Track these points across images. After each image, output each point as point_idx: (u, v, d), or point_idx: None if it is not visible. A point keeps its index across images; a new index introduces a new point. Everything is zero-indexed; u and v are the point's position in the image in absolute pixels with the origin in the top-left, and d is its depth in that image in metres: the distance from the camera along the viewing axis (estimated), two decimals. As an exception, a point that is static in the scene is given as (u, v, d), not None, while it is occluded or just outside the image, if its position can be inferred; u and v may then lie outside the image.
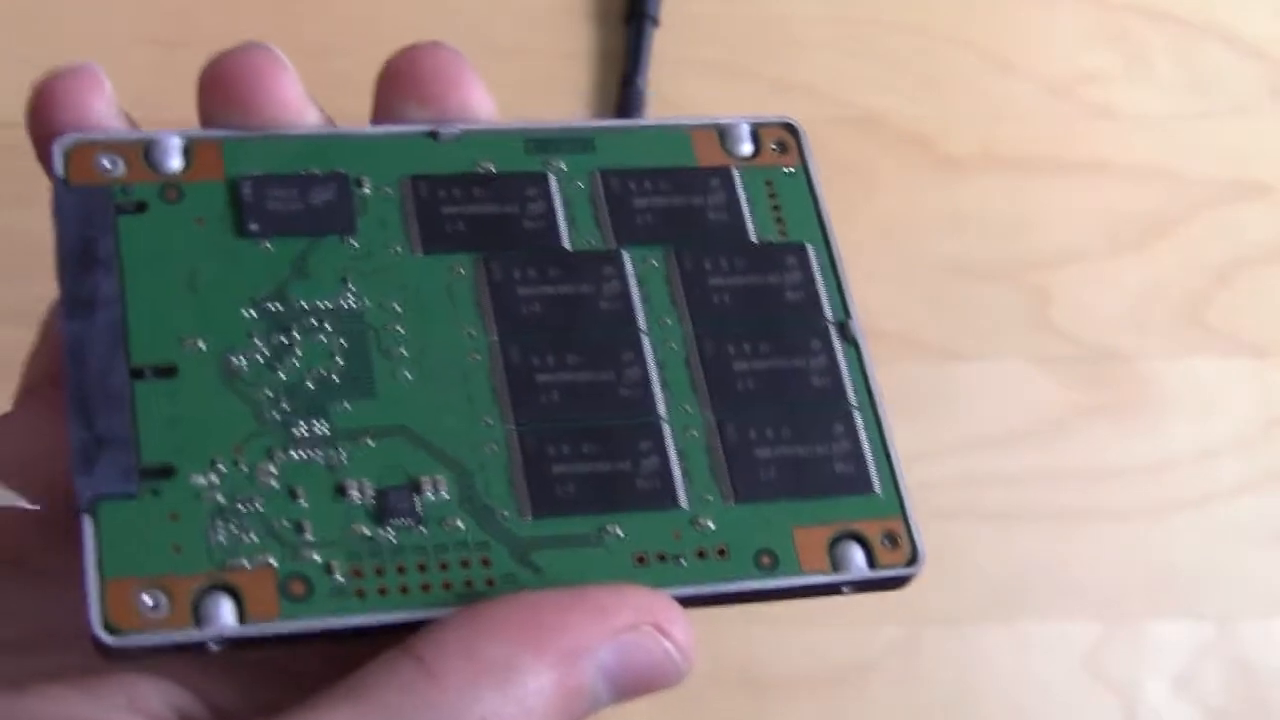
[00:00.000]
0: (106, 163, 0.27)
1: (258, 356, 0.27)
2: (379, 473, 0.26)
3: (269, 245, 0.27)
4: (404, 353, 0.27)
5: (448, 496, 0.26)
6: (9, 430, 0.28)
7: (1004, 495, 0.47)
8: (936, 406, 0.47)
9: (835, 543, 0.27)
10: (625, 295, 0.28)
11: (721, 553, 0.27)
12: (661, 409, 0.28)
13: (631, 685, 0.25)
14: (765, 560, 0.27)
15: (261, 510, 0.25)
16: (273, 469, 0.26)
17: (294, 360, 0.27)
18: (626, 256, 0.29)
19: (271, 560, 0.25)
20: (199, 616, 0.24)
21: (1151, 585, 0.46)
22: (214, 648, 0.25)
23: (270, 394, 0.26)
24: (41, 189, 0.27)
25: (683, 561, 0.27)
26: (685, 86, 0.50)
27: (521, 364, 0.27)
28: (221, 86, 0.28)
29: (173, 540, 0.25)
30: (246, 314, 0.27)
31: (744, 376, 0.28)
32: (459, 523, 0.26)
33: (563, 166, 0.29)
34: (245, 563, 0.25)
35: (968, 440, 0.47)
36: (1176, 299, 0.49)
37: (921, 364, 0.47)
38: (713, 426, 0.28)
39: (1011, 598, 0.45)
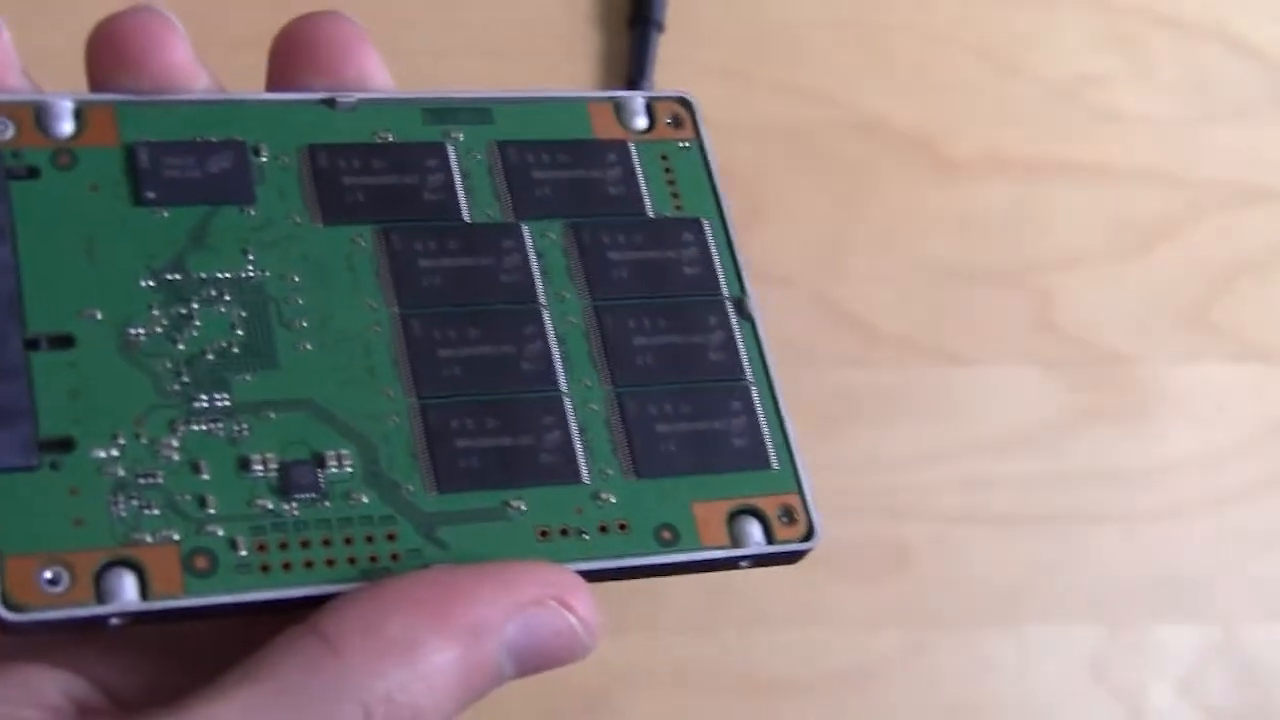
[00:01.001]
0: None
1: (156, 328, 0.26)
2: (282, 446, 0.26)
3: (166, 214, 0.27)
4: (304, 325, 0.27)
5: (351, 470, 0.26)
6: None
7: (1007, 499, 0.46)
8: (940, 410, 0.47)
9: (733, 518, 0.28)
10: (525, 268, 0.28)
11: (623, 527, 0.27)
12: (563, 383, 0.28)
13: (536, 659, 0.25)
14: (666, 535, 0.27)
15: (163, 484, 0.25)
16: (174, 442, 0.25)
17: (193, 331, 0.26)
18: (526, 230, 0.29)
19: (175, 535, 0.25)
20: (101, 592, 0.24)
21: (1156, 589, 0.46)
22: (116, 623, 0.24)
23: (170, 366, 0.26)
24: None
25: (585, 536, 0.27)
26: (689, 90, 0.50)
27: (423, 337, 0.27)
28: (111, 48, 0.27)
29: (74, 515, 0.24)
30: (144, 284, 0.26)
31: (643, 351, 0.28)
32: (363, 497, 0.26)
33: (460, 137, 0.29)
34: (148, 537, 0.25)
35: (971, 444, 0.47)
36: (1180, 302, 0.49)
37: (924, 367, 0.47)
38: (613, 401, 0.28)
39: (1015, 601, 0.45)
